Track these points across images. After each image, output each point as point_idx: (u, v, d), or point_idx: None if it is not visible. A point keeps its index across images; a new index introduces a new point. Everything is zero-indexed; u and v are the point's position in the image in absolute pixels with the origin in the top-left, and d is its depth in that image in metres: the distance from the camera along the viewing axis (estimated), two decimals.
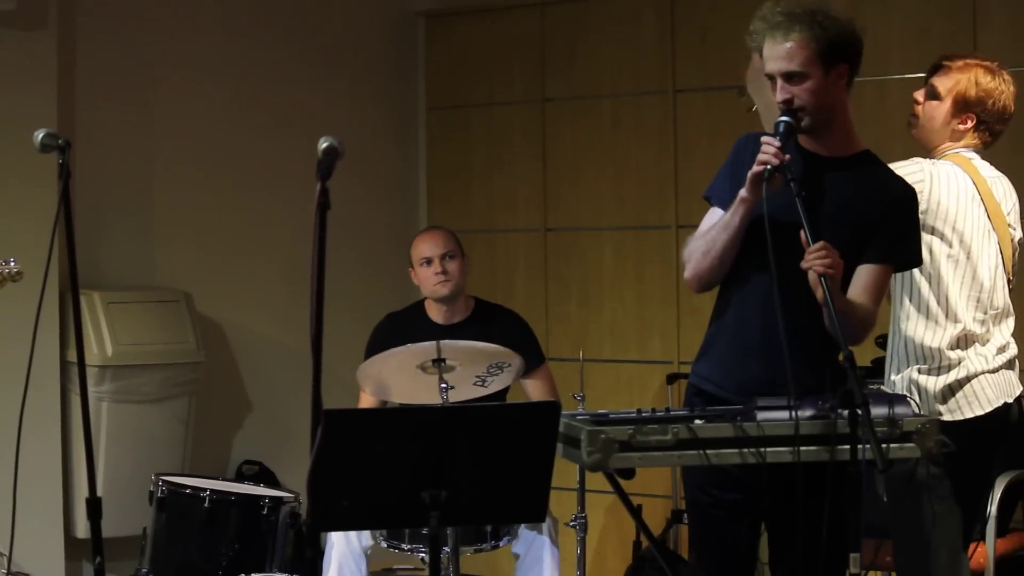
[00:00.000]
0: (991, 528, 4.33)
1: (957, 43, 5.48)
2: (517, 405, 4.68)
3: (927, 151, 4.41)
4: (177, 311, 6.29)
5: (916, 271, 4.21)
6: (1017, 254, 4.46)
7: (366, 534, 5.30)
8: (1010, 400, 4.32)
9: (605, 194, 6.75)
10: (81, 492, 5.99)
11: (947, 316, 4.26)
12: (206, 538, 5.29)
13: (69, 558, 6.12)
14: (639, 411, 3.68)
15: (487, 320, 5.64)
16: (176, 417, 6.20)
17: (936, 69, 4.39)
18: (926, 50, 5.38)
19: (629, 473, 3.70)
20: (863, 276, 3.82)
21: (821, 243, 3.63)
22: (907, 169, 4.20)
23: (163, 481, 5.36)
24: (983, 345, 4.30)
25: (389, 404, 5.23)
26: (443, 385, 4.79)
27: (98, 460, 5.86)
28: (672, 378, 6.36)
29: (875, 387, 4.40)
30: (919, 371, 4.27)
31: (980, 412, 4.26)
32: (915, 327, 4.28)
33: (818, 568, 3.67)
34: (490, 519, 4.62)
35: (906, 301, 4.30)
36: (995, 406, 4.28)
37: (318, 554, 5.04)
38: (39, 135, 3.79)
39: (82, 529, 6.05)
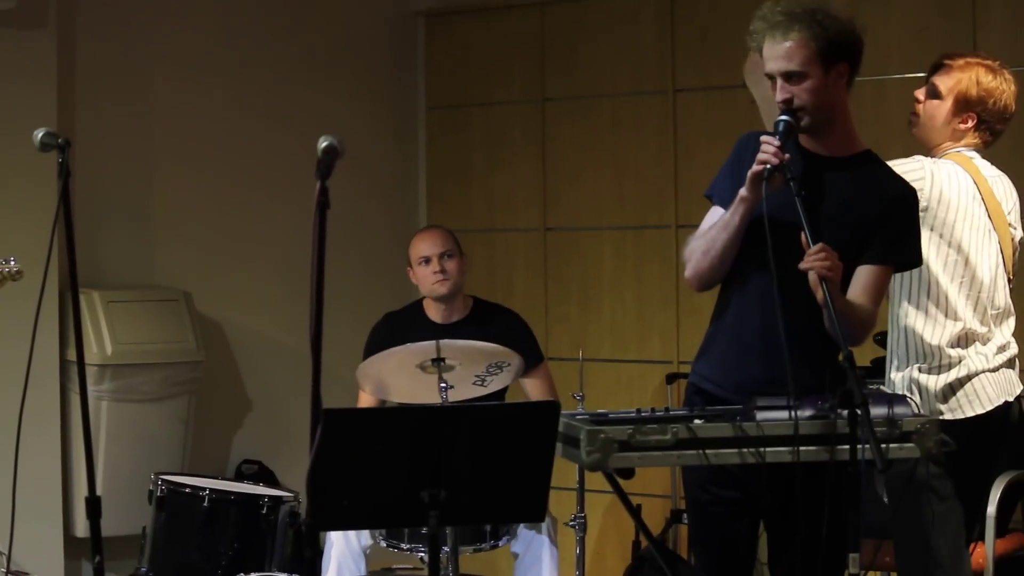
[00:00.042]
0: (990, 528, 4.33)
1: (956, 43, 5.48)
2: (516, 405, 4.68)
3: (928, 150, 4.40)
4: (177, 310, 6.29)
5: (916, 269, 4.21)
6: (1017, 254, 4.46)
7: (365, 533, 5.30)
8: (1011, 399, 4.32)
9: (605, 194, 6.75)
10: (80, 491, 5.99)
11: (947, 314, 4.26)
12: (205, 537, 5.28)
13: (68, 557, 6.12)
14: (638, 411, 3.68)
15: (485, 319, 5.64)
16: (176, 416, 6.20)
17: (937, 68, 4.39)
18: (925, 50, 5.38)
19: (628, 473, 3.70)
20: (863, 277, 3.82)
21: (820, 245, 3.63)
22: (907, 166, 4.20)
23: (162, 480, 5.35)
24: (983, 344, 4.30)
25: (388, 403, 5.23)
26: (442, 384, 4.79)
27: (97, 459, 5.86)
28: (671, 378, 6.36)
29: (875, 387, 4.39)
30: (919, 370, 4.27)
31: (981, 411, 4.26)
32: (915, 325, 4.28)
33: (817, 568, 3.67)
34: (489, 519, 4.62)
35: (906, 299, 4.30)
36: (996, 405, 4.28)
37: (317, 553, 5.03)
38: (39, 134, 3.79)
39: (81, 528, 6.05)
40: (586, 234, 6.82)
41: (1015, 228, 4.44)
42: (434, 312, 5.66)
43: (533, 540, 5.39)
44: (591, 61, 6.78)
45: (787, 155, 3.70)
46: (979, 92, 4.32)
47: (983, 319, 4.30)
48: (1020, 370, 4.43)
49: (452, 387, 4.80)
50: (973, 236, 4.29)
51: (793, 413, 3.55)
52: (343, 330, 5.70)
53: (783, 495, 3.67)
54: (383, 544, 5.18)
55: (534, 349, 5.62)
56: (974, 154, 4.37)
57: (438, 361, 4.85)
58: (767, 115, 3.99)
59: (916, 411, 3.70)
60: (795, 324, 3.65)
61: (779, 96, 3.78)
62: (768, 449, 3.57)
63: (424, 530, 3.60)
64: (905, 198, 3.90)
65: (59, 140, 3.75)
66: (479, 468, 3.49)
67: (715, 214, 3.91)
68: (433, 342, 4.87)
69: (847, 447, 3.47)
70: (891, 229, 3.84)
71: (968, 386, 4.26)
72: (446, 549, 4.80)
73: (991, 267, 4.32)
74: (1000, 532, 4.41)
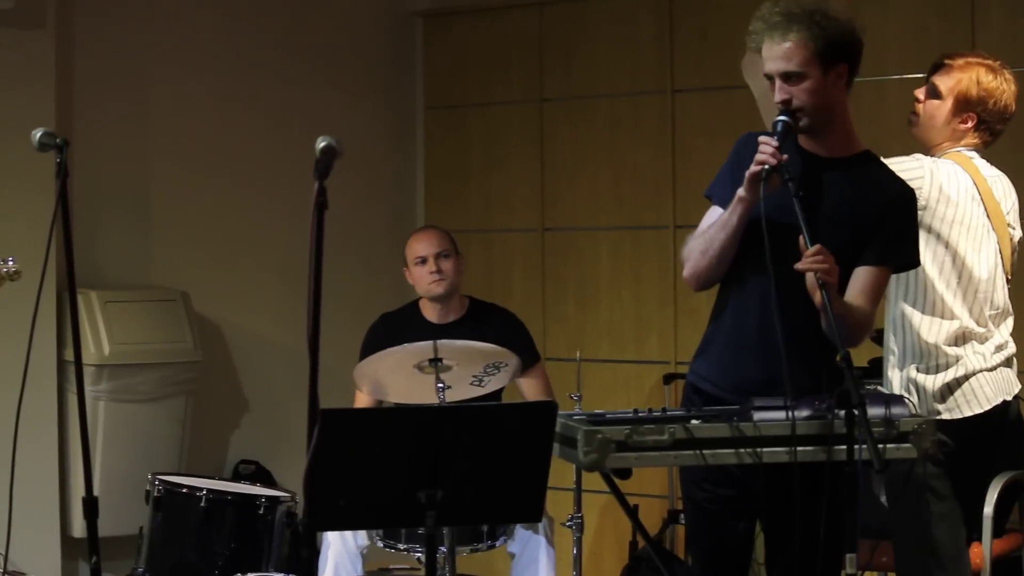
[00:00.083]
0: (987, 528, 4.32)
1: (955, 43, 5.48)
2: (514, 405, 4.68)
3: (927, 150, 4.40)
4: (174, 310, 6.28)
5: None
6: (1016, 254, 4.46)
7: (362, 534, 5.30)
8: (1009, 398, 4.32)
9: (603, 194, 6.75)
10: (78, 491, 5.98)
11: (944, 314, 4.26)
12: (202, 537, 5.28)
13: (65, 557, 6.12)
14: (636, 411, 3.67)
15: (482, 319, 5.64)
16: (173, 416, 6.19)
17: (937, 67, 4.38)
18: (924, 50, 5.38)
19: (625, 473, 3.70)
20: (861, 278, 3.81)
21: (818, 246, 3.62)
22: (906, 165, 4.19)
23: (159, 480, 5.35)
24: (981, 344, 4.30)
25: (385, 404, 5.23)
26: (440, 385, 4.79)
27: (95, 459, 5.84)
28: (669, 378, 6.36)
29: (872, 387, 4.39)
30: (917, 369, 4.27)
31: (979, 410, 4.26)
32: (912, 324, 4.27)
33: (814, 568, 3.68)
34: (486, 519, 4.62)
35: (903, 298, 4.30)
36: (994, 404, 4.28)
37: (314, 553, 5.02)
38: (37, 134, 3.79)
39: (78, 528, 6.04)
40: (584, 234, 6.82)
41: (1014, 228, 4.43)
42: (431, 312, 5.66)
43: (530, 540, 5.39)
44: (589, 61, 6.78)
45: (785, 156, 3.70)
46: (979, 92, 4.31)
47: (980, 318, 4.30)
48: (1018, 370, 4.43)
49: (449, 387, 4.80)
50: (971, 236, 4.29)
51: (790, 413, 3.55)
52: (341, 330, 5.70)
53: (780, 495, 3.67)
54: (380, 544, 5.18)
55: (531, 349, 5.62)
56: (973, 154, 4.37)
57: (435, 361, 4.84)
58: (766, 111, 3.99)
59: (913, 411, 3.70)
60: (793, 324, 3.65)
61: (778, 96, 3.78)
62: (765, 449, 3.57)
63: (421, 530, 3.59)
64: (904, 199, 3.90)
65: (57, 140, 3.75)
66: (476, 468, 3.49)
67: (714, 214, 3.91)
68: (430, 342, 4.86)
69: (844, 447, 3.47)
70: (889, 230, 3.84)
71: (966, 385, 4.26)
72: (443, 549, 4.79)
73: (989, 267, 4.32)
74: (997, 532, 4.41)
